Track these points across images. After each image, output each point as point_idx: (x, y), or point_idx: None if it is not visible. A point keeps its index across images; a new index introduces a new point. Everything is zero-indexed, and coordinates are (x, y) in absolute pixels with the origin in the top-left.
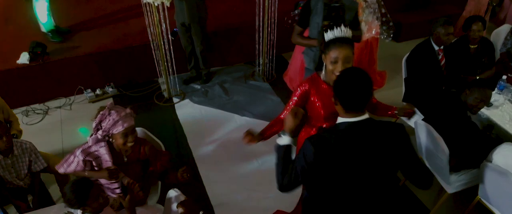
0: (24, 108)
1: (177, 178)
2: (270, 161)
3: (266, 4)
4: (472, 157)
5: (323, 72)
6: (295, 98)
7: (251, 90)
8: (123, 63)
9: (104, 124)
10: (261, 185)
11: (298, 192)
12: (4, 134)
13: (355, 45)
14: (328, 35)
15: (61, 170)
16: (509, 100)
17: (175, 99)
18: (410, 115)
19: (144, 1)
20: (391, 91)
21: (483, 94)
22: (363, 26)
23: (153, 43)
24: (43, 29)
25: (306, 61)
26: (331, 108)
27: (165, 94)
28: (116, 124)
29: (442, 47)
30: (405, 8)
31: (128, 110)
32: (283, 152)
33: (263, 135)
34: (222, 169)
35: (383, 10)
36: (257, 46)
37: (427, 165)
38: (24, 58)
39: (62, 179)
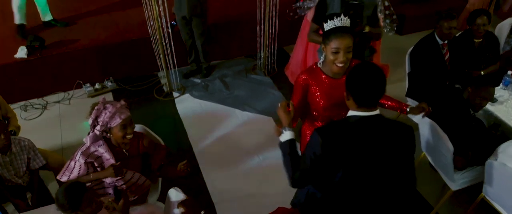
0: (22, 103)
1: (176, 172)
2: (272, 157)
3: None
4: (476, 154)
5: (321, 62)
6: (297, 91)
7: (252, 85)
8: (122, 57)
9: (100, 119)
10: (262, 182)
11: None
12: (1, 132)
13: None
14: (328, 25)
15: (64, 179)
16: None
17: (175, 94)
18: (426, 113)
19: None
20: (393, 86)
21: (485, 92)
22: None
23: (153, 37)
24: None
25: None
26: (331, 99)
27: (165, 88)
28: (114, 116)
29: (446, 41)
30: (408, 0)
31: (122, 102)
32: (288, 146)
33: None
34: (223, 165)
35: (386, 3)
36: (258, 39)
37: (431, 161)
38: (22, 52)
39: None
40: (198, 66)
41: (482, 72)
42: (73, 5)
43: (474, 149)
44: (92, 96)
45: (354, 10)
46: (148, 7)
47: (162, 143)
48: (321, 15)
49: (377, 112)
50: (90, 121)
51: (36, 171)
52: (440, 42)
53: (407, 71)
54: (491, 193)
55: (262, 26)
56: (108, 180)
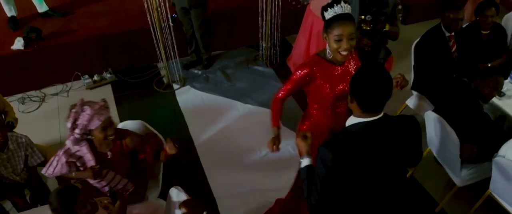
0: (20, 95)
1: (167, 154)
2: None
3: None
4: (483, 149)
5: (327, 50)
6: (292, 82)
7: (254, 76)
8: (121, 47)
9: (79, 122)
10: (265, 177)
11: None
12: None
13: None
14: (329, 13)
15: (47, 174)
16: None
17: (175, 86)
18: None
19: None
20: None
21: (495, 82)
22: None
23: (152, 27)
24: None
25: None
26: (340, 88)
27: (165, 80)
28: (92, 119)
29: (453, 33)
30: None
31: (101, 102)
32: (306, 172)
33: (278, 126)
34: (225, 160)
35: None
36: (260, 29)
37: (437, 157)
38: (18, 44)
39: None
40: (199, 57)
41: (489, 65)
42: None
43: (481, 144)
44: (91, 89)
45: (377, 7)
46: None
47: (162, 139)
48: None
49: (381, 115)
50: (68, 124)
51: (34, 168)
52: (447, 34)
53: (412, 63)
54: (498, 190)
55: (264, 16)
56: (92, 181)
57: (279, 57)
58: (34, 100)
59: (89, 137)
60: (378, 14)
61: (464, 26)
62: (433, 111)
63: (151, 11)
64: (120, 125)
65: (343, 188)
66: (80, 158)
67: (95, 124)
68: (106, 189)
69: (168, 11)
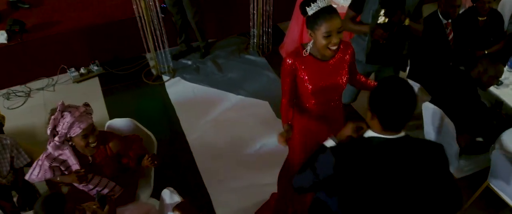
0: (4, 91)
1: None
2: (269, 143)
3: None
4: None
5: (310, 45)
6: (286, 77)
7: (246, 66)
8: (108, 38)
9: (59, 129)
10: (260, 171)
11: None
12: None
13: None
14: (312, 9)
15: (30, 179)
16: None
17: (165, 77)
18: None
19: None
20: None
21: (497, 70)
22: None
23: (139, 17)
24: None
25: (355, 52)
26: (319, 83)
27: (154, 71)
28: (72, 126)
29: (450, 20)
30: None
31: (82, 108)
32: (316, 150)
33: (289, 123)
34: (218, 153)
35: None
36: (251, 16)
37: None
38: (1, 37)
39: None
40: (189, 47)
41: (486, 52)
42: None
43: (479, 134)
44: (78, 82)
45: (399, 1)
46: None
47: (153, 137)
48: (359, 2)
49: (403, 134)
50: (48, 131)
51: (21, 169)
52: (444, 21)
53: None
54: (497, 182)
55: (256, 2)
56: (78, 185)
57: (271, 45)
58: (19, 96)
59: (70, 143)
60: (395, 5)
61: (460, 12)
62: (430, 101)
63: (137, 0)
64: (109, 123)
65: (336, 191)
66: (63, 161)
67: (76, 131)
68: (94, 192)
69: (156, 1)
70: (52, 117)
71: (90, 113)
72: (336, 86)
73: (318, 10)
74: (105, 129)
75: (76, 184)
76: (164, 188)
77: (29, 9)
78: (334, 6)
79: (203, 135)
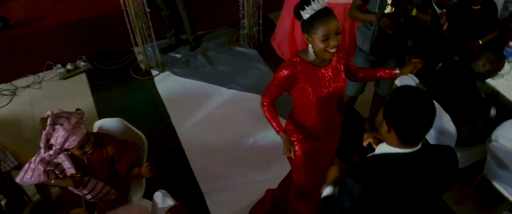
0: None
1: (140, 174)
2: (263, 139)
3: None
4: (477, 131)
5: (310, 52)
6: (275, 84)
7: (237, 59)
8: (95, 33)
9: (53, 141)
10: (254, 167)
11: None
12: None
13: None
14: (307, 12)
15: (22, 182)
16: None
17: (154, 72)
18: (417, 68)
19: None
20: None
21: (499, 64)
22: None
23: (125, 10)
24: None
25: (359, 41)
26: (323, 89)
27: (143, 66)
28: (67, 140)
29: (444, 10)
30: None
31: (73, 119)
32: (323, 202)
33: (283, 129)
34: (211, 150)
35: None
36: (241, 6)
37: (429, 141)
38: None
39: None
40: (178, 40)
41: (480, 41)
42: None
43: (475, 125)
44: (65, 78)
45: None
46: None
47: (143, 137)
48: None
49: (419, 146)
50: (41, 144)
51: (8, 173)
52: (438, 11)
53: None
54: (493, 174)
55: None
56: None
57: (262, 36)
58: (4, 94)
59: (66, 152)
60: None
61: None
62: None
63: None
64: (98, 123)
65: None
66: (58, 164)
67: (71, 145)
68: (89, 197)
69: None
70: (44, 132)
71: (82, 121)
72: (338, 90)
73: (314, 13)
74: (94, 130)
75: (71, 188)
76: (156, 187)
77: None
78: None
79: (194, 131)
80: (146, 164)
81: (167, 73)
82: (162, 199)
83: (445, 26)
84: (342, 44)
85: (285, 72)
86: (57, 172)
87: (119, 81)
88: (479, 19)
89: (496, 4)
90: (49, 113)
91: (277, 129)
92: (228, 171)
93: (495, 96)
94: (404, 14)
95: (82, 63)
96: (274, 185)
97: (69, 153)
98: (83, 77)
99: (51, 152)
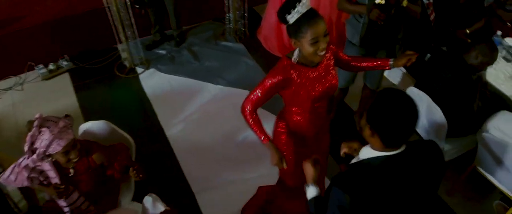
0: None
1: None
2: (253, 134)
3: None
4: (468, 122)
5: (297, 54)
6: (263, 90)
7: (223, 53)
8: (76, 31)
9: (37, 145)
10: (244, 164)
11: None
12: None
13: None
14: (293, 16)
15: (6, 182)
16: (503, 57)
17: (139, 69)
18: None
19: None
20: None
21: (492, 57)
22: None
23: (107, 7)
24: None
25: (349, 34)
26: (316, 91)
27: (127, 63)
28: (52, 144)
29: (431, 0)
30: None
31: (61, 123)
32: (313, 205)
33: (270, 138)
34: (200, 148)
35: None
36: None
37: (419, 133)
38: None
39: None
40: (163, 36)
41: (467, 31)
42: None
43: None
44: (47, 79)
45: None
46: None
47: (131, 140)
48: None
49: (403, 148)
50: (26, 148)
51: None
52: (426, 1)
53: None
54: (484, 165)
55: None
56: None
57: (248, 30)
58: None
59: (51, 158)
60: None
61: None
62: (415, 86)
63: None
64: (84, 126)
65: None
66: (42, 172)
67: (56, 149)
68: (66, 209)
69: None
70: (29, 134)
71: (70, 127)
72: (331, 87)
73: (300, 17)
74: (79, 133)
75: (54, 198)
76: (146, 189)
77: None
78: None
79: (182, 130)
80: (131, 169)
81: (152, 70)
82: (152, 204)
83: (432, 17)
84: (330, 37)
85: (276, 79)
86: (41, 179)
87: (103, 80)
88: (465, 8)
89: None
90: (37, 115)
91: (263, 138)
92: (219, 169)
93: (484, 86)
94: (395, 5)
95: (65, 63)
96: (265, 181)
97: (53, 160)
98: (66, 77)
99: (34, 156)
